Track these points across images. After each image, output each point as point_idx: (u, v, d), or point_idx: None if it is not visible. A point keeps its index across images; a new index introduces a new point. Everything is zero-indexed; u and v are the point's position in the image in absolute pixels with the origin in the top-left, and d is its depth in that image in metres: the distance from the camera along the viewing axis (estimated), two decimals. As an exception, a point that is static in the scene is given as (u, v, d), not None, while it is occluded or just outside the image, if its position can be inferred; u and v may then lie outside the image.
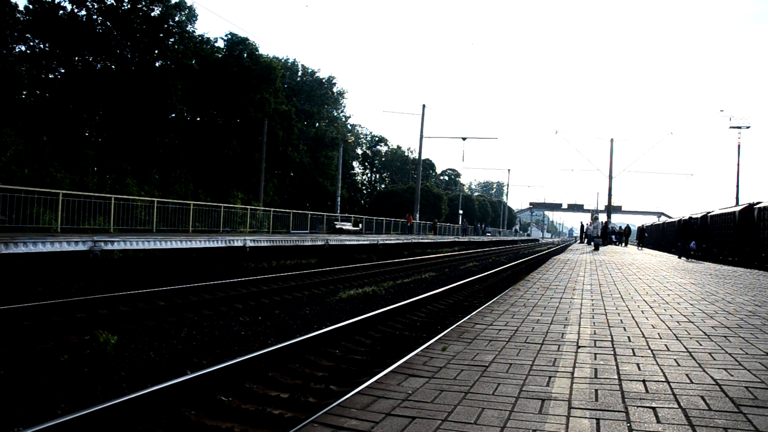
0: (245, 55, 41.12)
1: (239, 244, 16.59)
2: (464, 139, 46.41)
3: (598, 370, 3.77)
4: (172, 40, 36.04)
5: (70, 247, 11.16)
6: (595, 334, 5.11)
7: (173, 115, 36.27)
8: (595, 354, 4.28)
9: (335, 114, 69.69)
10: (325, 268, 16.37)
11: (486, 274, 16.51)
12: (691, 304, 7.36)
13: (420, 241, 33.48)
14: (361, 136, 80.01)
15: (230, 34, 42.33)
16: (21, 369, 5.23)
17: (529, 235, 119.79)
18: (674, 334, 5.15)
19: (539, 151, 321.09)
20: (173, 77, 33.99)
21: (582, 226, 47.79)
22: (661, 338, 4.96)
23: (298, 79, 62.48)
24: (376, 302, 10.31)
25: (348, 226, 32.89)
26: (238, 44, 41.69)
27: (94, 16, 32.97)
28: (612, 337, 4.94)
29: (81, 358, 5.66)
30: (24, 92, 29.10)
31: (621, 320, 5.91)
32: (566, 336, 4.97)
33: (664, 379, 3.58)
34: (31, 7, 31.18)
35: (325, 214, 33.82)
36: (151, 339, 6.68)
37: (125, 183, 26.13)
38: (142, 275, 12.81)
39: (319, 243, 21.07)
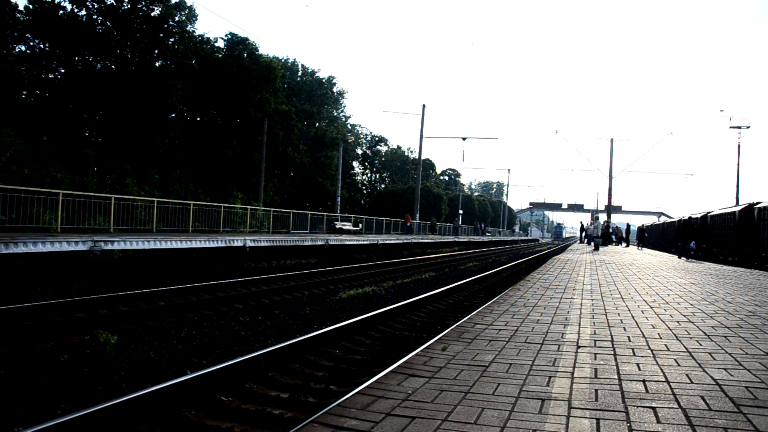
0: (245, 55, 41.11)
1: (239, 244, 16.59)
2: (464, 139, 46.45)
3: (598, 370, 3.77)
4: (172, 40, 36.02)
5: (70, 247, 11.17)
6: (595, 334, 5.11)
7: (173, 115, 36.24)
8: (595, 354, 4.28)
9: (335, 114, 69.65)
10: (325, 268, 16.37)
11: (486, 274, 16.52)
12: (691, 304, 7.36)
13: (420, 241, 33.48)
14: (361, 136, 79.98)
15: (230, 34, 42.33)
16: (21, 369, 5.22)
17: (527, 235, 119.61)
18: (674, 334, 5.15)
19: (539, 151, 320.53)
20: (173, 77, 33.98)
21: (582, 225, 47.76)
22: (661, 338, 4.96)
23: (298, 79, 62.46)
24: (376, 302, 10.31)
25: (348, 226, 32.89)
26: (238, 44, 41.69)
27: (94, 16, 32.95)
28: (612, 337, 4.94)
29: (81, 358, 5.66)
30: (24, 92, 29.07)
31: (621, 320, 5.91)
32: (566, 336, 4.97)
33: (664, 379, 3.58)
34: (31, 7, 31.16)
35: (325, 214, 33.82)
36: (151, 339, 6.68)
37: (125, 183, 26.11)
38: (142, 275, 12.81)
39: (319, 243, 21.07)
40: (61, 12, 31.71)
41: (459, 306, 10.46)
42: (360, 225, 35.05)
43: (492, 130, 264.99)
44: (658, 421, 2.80)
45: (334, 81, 65.89)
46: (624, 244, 40.00)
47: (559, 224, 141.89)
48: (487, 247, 44.13)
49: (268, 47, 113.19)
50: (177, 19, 36.05)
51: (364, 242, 25.65)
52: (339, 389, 4.85)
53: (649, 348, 4.52)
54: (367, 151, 78.45)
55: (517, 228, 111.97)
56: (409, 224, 41.54)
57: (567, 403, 3.07)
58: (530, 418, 2.82)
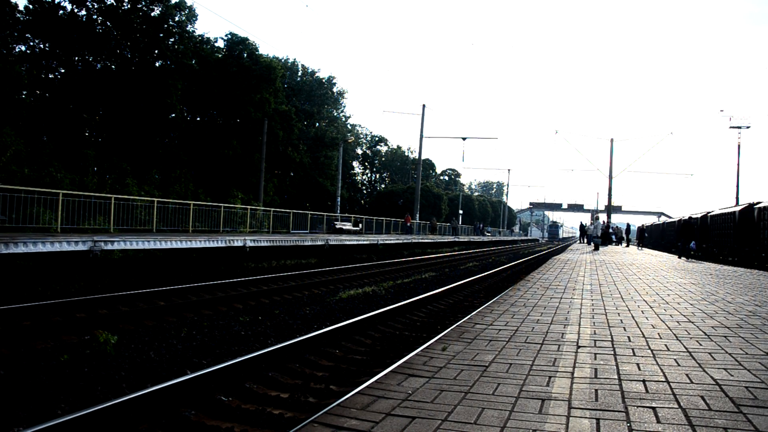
0: (245, 55, 41.13)
1: (239, 244, 16.59)
2: (464, 139, 46.44)
3: (598, 370, 3.77)
4: (172, 40, 36.04)
5: (70, 247, 11.17)
6: (595, 334, 5.11)
7: (173, 115, 36.27)
8: (595, 354, 4.28)
9: (335, 114, 69.70)
10: (325, 268, 16.37)
11: (486, 274, 16.51)
12: (691, 304, 7.36)
13: (420, 241, 33.48)
14: (361, 136, 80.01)
15: (230, 34, 42.39)
16: (21, 369, 5.22)
17: (527, 235, 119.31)
18: (674, 334, 5.15)
19: (539, 151, 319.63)
20: (173, 77, 33.99)
21: (581, 225, 47.79)
22: (661, 338, 4.95)
23: (298, 79, 62.50)
24: (376, 302, 10.31)
25: (348, 226, 32.89)
26: (238, 44, 41.71)
27: (94, 16, 32.97)
28: (612, 337, 4.94)
29: (81, 358, 5.66)
30: (24, 92, 29.09)
31: (621, 320, 5.91)
32: (566, 336, 4.97)
33: (664, 379, 3.58)
34: (31, 7, 31.19)
35: (325, 214, 33.83)
36: (151, 339, 6.68)
37: (125, 183, 26.11)
38: (142, 275, 12.81)
39: (319, 243, 21.07)
40: (61, 12, 31.72)
41: (459, 306, 10.46)
42: (360, 225, 35.05)
43: (492, 130, 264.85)
44: (658, 421, 2.80)
45: (334, 81, 66.02)
46: (624, 244, 40.01)
47: (554, 222, 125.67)
48: (487, 247, 44.14)
49: (268, 47, 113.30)
50: (177, 19, 36.08)
51: (364, 242, 25.65)
52: (339, 389, 4.85)
53: (649, 348, 4.52)
54: (367, 151, 78.48)
55: (516, 228, 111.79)
56: (409, 224, 41.53)
57: (567, 403, 3.07)
58: (530, 418, 2.82)
